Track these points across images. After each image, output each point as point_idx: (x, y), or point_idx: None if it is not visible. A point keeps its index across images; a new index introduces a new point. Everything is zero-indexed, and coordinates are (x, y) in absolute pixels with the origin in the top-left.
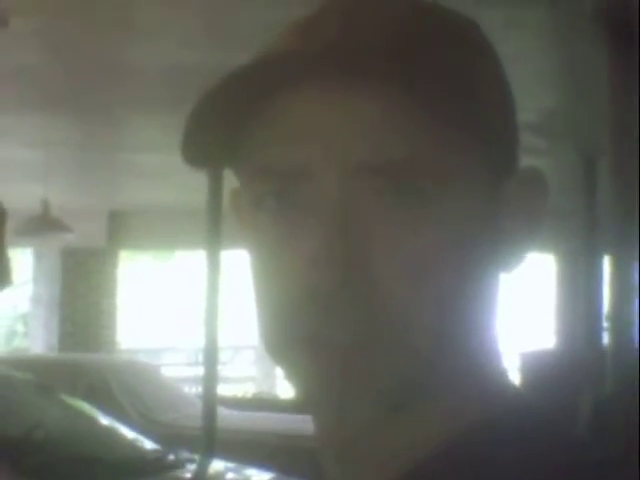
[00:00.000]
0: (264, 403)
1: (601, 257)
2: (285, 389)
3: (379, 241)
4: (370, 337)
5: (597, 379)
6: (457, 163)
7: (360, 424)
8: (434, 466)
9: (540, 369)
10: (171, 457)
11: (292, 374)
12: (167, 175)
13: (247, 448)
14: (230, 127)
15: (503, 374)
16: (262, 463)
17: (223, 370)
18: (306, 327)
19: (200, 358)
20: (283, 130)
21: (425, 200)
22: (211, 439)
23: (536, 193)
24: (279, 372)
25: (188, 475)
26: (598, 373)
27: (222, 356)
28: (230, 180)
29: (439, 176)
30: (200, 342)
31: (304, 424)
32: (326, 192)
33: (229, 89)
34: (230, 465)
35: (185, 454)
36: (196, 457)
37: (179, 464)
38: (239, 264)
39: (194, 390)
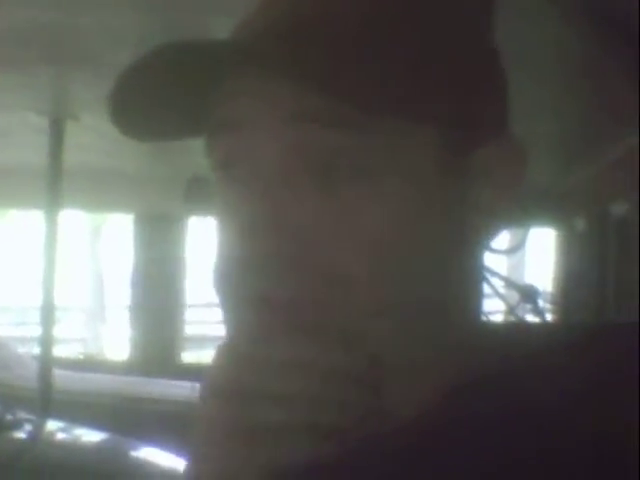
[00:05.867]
0: (95, 364)
1: None
2: (113, 351)
3: (314, 210)
4: (306, 300)
5: None
6: (406, 130)
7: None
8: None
9: None
10: (9, 417)
11: (239, 331)
12: (5, 134)
13: (82, 409)
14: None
15: (479, 346)
16: (97, 424)
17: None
18: (248, 289)
19: (28, 318)
20: (219, 97)
21: (371, 172)
22: (47, 399)
23: (515, 163)
24: (107, 334)
25: (24, 435)
26: None
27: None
28: (71, 139)
29: (384, 139)
30: (29, 302)
31: (139, 386)
32: (260, 149)
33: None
34: (62, 425)
35: (22, 414)
36: (32, 417)
37: (17, 424)
38: (74, 225)
39: (22, 350)
